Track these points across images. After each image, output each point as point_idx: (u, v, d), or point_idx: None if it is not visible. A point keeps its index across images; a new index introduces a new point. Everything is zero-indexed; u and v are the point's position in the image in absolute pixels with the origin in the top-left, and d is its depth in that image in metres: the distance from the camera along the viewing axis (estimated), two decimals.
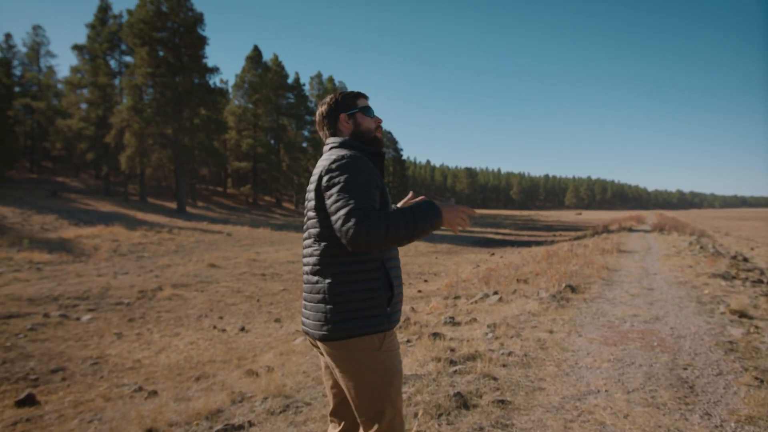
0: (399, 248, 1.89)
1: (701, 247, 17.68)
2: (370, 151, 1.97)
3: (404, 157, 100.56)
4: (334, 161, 1.79)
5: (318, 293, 1.81)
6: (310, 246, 1.90)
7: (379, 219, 1.64)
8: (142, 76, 38.03)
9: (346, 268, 1.78)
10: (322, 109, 2.04)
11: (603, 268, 10.48)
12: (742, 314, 6.28)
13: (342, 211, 1.67)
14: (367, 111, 2.02)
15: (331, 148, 1.95)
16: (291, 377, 4.62)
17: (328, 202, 1.75)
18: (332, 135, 2.02)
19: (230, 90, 59.47)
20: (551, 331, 5.30)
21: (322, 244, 1.82)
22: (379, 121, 2.06)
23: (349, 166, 1.76)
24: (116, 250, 18.55)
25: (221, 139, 50.02)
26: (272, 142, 55.18)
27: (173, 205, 40.05)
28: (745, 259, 16.30)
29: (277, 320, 9.47)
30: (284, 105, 57.48)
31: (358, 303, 1.77)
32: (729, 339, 4.99)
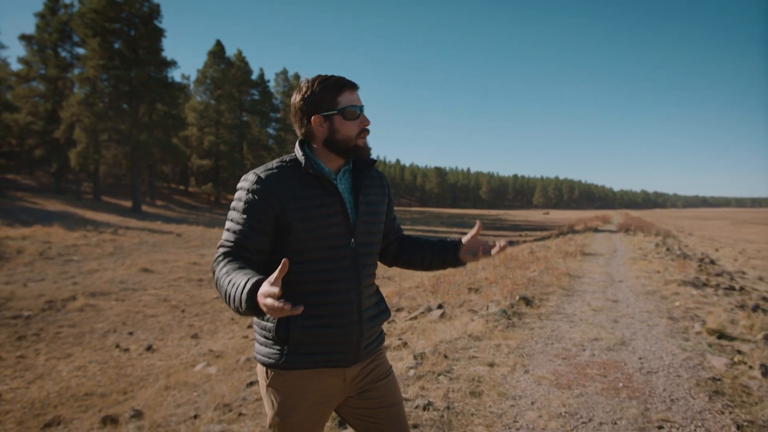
0: None
1: (668, 249, 16.98)
2: (304, 172, 1.59)
3: (372, 156, 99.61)
4: (245, 175, 1.57)
5: None
6: None
7: (220, 270, 1.42)
8: (93, 69, 36.02)
9: None
10: (293, 100, 1.64)
11: (564, 275, 9.47)
12: (721, 334, 5.32)
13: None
14: (348, 113, 1.57)
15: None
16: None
17: None
18: (302, 136, 1.66)
19: (191, 85, 57.70)
20: (492, 365, 4.18)
21: None
22: (364, 124, 1.62)
23: (245, 187, 1.54)
24: (43, 253, 16.86)
25: (181, 135, 48.24)
26: (236, 139, 53.35)
27: (129, 204, 38.07)
28: (712, 262, 15.68)
29: (195, 336, 8.22)
30: (248, 101, 55.98)
31: (260, 330, 1.60)
32: (711, 375, 3.95)
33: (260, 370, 1.63)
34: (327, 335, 1.55)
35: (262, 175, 1.52)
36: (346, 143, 1.59)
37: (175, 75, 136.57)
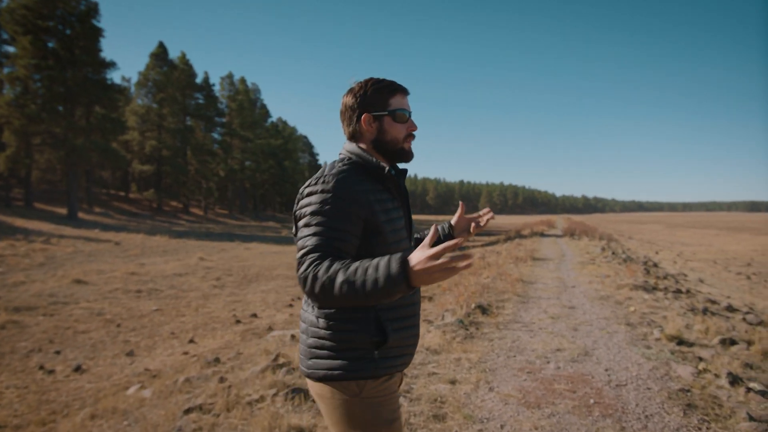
0: None
1: (613, 253, 17.34)
2: (376, 166, 1.55)
3: (320, 162, 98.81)
4: (316, 178, 1.50)
5: (303, 322, 1.58)
6: None
7: (328, 272, 1.26)
8: (24, 68, 33.80)
9: None
10: (345, 99, 1.62)
11: (518, 281, 9.34)
12: (680, 340, 5.24)
13: (300, 252, 1.38)
14: (398, 116, 1.57)
15: (339, 155, 1.63)
16: None
17: (298, 233, 1.47)
18: (350, 136, 1.63)
19: (132, 88, 55.51)
20: (453, 382, 3.87)
21: None
22: (412, 128, 1.62)
23: (328, 189, 1.44)
24: None
25: (122, 140, 46.18)
26: (179, 144, 51.57)
27: (65, 211, 35.95)
28: (655, 265, 16.10)
29: (131, 354, 7.57)
30: (192, 105, 54.34)
31: (335, 343, 1.48)
32: (680, 385, 3.78)
33: (337, 388, 1.50)
34: (409, 336, 1.57)
35: (342, 177, 1.47)
36: (393, 145, 1.58)
37: (115, 77, 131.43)
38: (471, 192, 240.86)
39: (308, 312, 1.55)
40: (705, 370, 4.14)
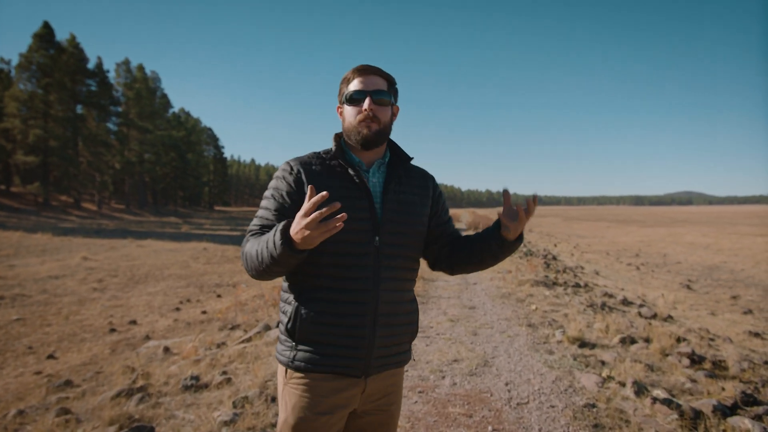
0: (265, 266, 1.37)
1: None
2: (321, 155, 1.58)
3: (227, 155, 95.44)
4: None
5: None
6: None
7: (246, 245, 1.45)
8: None
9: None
10: None
11: (418, 279, 8.94)
12: (582, 342, 4.98)
13: None
14: (350, 100, 1.53)
15: None
16: None
17: None
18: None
19: (12, 71, 50.11)
20: None
21: None
22: (360, 111, 1.52)
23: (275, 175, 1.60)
24: None
25: (0, 127, 41.61)
26: (69, 133, 47.28)
27: None
28: (554, 258, 16.50)
29: None
30: (83, 92, 49.96)
31: (280, 325, 1.56)
32: (585, 400, 3.41)
33: (279, 369, 1.57)
34: (336, 335, 1.47)
35: (293, 163, 1.53)
36: (349, 131, 1.54)
37: None
38: None
39: None
40: (609, 378, 3.82)
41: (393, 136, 1.64)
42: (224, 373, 4.27)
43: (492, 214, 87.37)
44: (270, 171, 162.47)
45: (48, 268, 15.51)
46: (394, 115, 1.61)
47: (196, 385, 4.01)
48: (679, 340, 5.52)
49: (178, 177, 65.52)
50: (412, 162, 1.68)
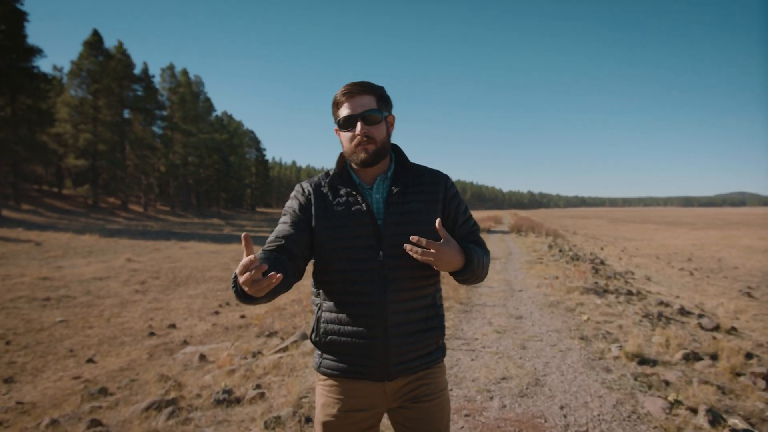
0: None
1: (560, 251, 17.00)
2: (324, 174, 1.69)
3: (268, 158, 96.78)
4: None
5: None
6: None
7: None
8: None
9: None
10: None
11: (460, 286, 8.57)
12: (642, 359, 4.56)
13: None
14: (342, 125, 1.58)
15: None
16: None
17: None
18: None
19: (65, 78, 52.02)
20: None
21: None
22: (354, 135, 1.56)
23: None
24: None
25: (53, 132, 43.23)
26: (116, 137, 48.73)
27: None
28: (602, 262, 15.82)
29: (9, 380, 6.39)
30: (130, 97, 51.49)
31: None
32: (653, 430, 3.05)
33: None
34: (349, 345, 1.55)
35: (305, 185, 1.65)
36: (349, 155, 1.60)
37: (45, 65, 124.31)
38: None
39: None
40: (677, 403, 3.43)
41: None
42: (258, 386, 4.07)
43: (535, 215, 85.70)
44: (310, 173, 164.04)
45: (93, 269, 15.85)
46: (390, 126, 1.64)
47: (228, 400, 3.82)
48: (748, 356, 5.04)
49: (220, 179, 66.76)
50: (425, 165, 1.70)
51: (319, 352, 1.63)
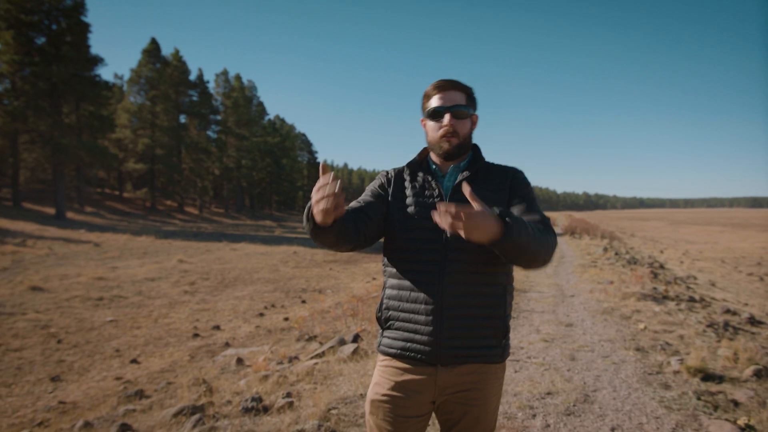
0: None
1: (616, 254, 16.23)
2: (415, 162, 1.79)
3: (319, 160, 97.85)
4: None
5: None
6: None
7: None
8: (8, 64, 32.78)
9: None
10: None
11: None
12: (706, 375, 4.13)
13: None
14: (431, 115, 1.67)
15: None
16: None
17: None
18: None
19: (125, 85, 54.31)
20: None
21: None
22: (441, 126, 1.65)
23: None
24: None
25: (114, 138, 45.21)
26: (173, 142, 50.45)
27: (53, 211, 34.88)
28: (662, 266, 14.99)
29: (56, 378, 6.52)
30: (186, 103, 53.13)
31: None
32: None
33: None
34: (405, 321, 1.60)
35: (390, 171, 1.79)
36: (433, 145, 1.69)
37: (107, 74, 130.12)
38: None
39: None
40: (748, 428, 3.04)
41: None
42: (288, 395, 3.90)
43: (590, 217, 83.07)
44: (362, 175, 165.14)
45: (146, 270, 16.28)
46: (474, 125, 1.72)
47: (256, 408, 3.67)
48: None
49: (273, 182, 67.96)
50: (495, 162, 1.74)
51: (381, 331, 1.70)
